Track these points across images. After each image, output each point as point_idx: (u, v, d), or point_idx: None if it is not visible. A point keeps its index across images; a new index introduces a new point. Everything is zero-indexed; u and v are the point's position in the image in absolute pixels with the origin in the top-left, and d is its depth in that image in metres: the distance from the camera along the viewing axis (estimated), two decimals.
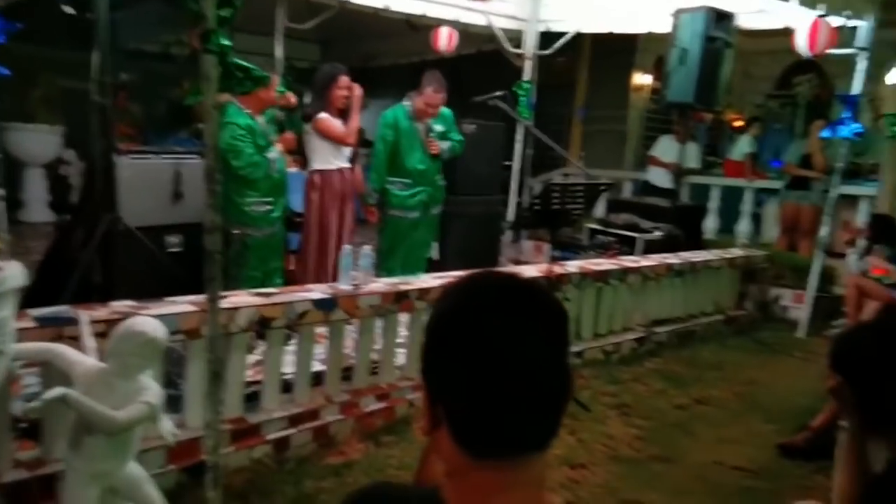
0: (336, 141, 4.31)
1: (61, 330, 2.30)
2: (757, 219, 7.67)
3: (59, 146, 7.61)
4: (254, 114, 3.94)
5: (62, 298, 3.22)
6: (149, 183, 4.22)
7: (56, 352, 2.07)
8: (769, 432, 3.55)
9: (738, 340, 5.11)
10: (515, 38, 6.34)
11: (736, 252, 5.71)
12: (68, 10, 3.84)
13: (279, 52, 6.79)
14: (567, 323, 0.87)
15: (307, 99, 4.68)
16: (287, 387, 3.09)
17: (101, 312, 2.47)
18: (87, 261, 3.65)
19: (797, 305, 5.55)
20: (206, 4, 1.90)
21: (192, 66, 2.08)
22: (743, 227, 7.44)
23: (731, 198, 7.63)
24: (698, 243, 5.94)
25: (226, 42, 1.97)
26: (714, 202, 7.68)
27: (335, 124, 4.30)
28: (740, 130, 8.93)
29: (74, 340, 2.20)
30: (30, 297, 3.59)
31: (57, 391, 1.88)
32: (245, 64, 2.07)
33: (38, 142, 7.44)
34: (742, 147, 7.97)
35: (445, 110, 4.73)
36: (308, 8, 6.46)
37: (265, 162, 3.91)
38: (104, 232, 3.71)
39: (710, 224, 7.55)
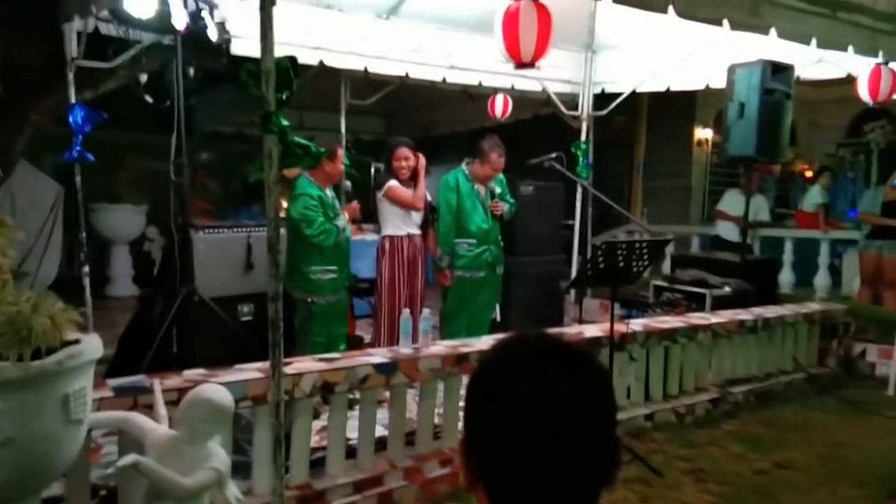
0: (405, 206, 4.52)
1: (136, 399, 2.42)
2: (835, 271, 7.34)
3: (142, 224, 8.12)
4: (322, 186, 4.18)
5: (141, 368, 3.40)
6: (223, 255, 4.45)
7: (131, 420, 2.18)
8: (858, 498, 3.31)
9: (821, 400, 4.83)
10: (571, 100, 6.43)
11: (814, 306, 5.46)
12: (149, 98, 4.17)
13: (344, 126, 7.12)
14: (609, 386, 0.86)
15: (373, 168, 4.92)
16: (351, 452, 3.11)
17: (174, 381, 2.58)
18: (165, 331, 3.84)
19: (885, 361, 5.23)
20: (267, 89, 2.04)
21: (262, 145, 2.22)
22: (820, 280, 7.13)
23: (806, 250, 7.36)
24: (772, 298, 5.71)
25: (285, 122, 2.11)
26: (788, 255, 7.41)
27: (403, 191, 4.50)
28: (811, 181, 8.68)
29: (149, 409, 2.31)
30: (113, 367, 3.81)
31: (129, 458, 1.97)
32: (304, 141, 2.21)
33: (124, 220, 7.96)
34: (813, 197, 7.72)
35: (500, 175, 4.86)
36: (370, 84, 6.78)
37: (335, 230, 4.10)
38: (181, 303, 3.91)
39: (786, 278, 7.27)
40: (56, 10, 4.07)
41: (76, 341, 1.95)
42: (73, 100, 4.17)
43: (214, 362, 2.93)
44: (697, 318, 4.65)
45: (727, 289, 5.30)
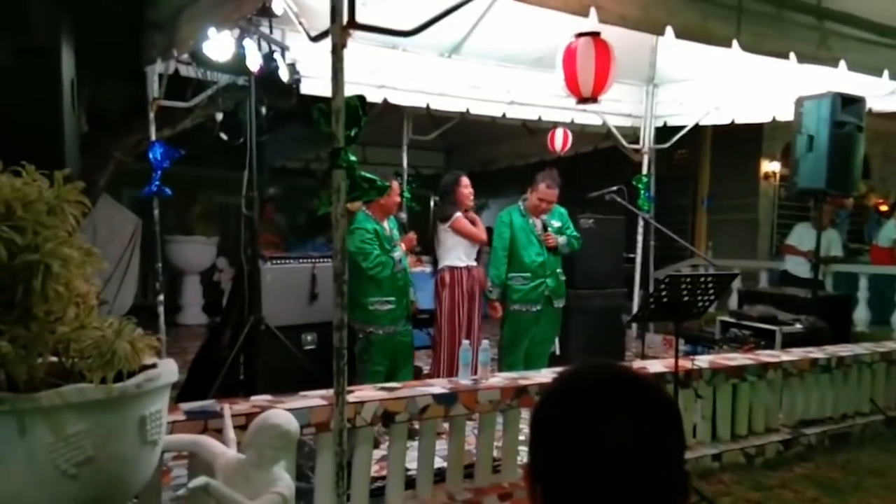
0: (472, 239, 4.59)
1: (207, 423, 2.51)
2: None
3: (213, 255, 8.45)
4: (379, 219, 4.29)
5: (210, 393, 3.52)
6: (289, 286, 4.59)
7: (201, 443, 2.25)
8: None
9: None
10: (632, 133, 6.41)
11: (891, 345, 5.20)
12: (224, 136, 4.38)
13: (406, 161, 7.29)
14: (676, 417, 0.85)
15: (432, 202, 5.01)
16: (410, 482, 3.13)
17: (242, 406, 2.67)
18: (233, 359, 3.97)
19: None
20: (337, 126, 2.14)
21: (330, 179, 2.32)
22: None
23: (883, 286, 7.02)
24: (846, 336, 5.48)
25: (353, 157, 2.19)
26: (863, 292, 7.09)
27: (469, 224, 4.60)
28: (886, 215, 8.32)
29: (218, 433, 2.39)
30: (184, 392, 3.96)
31: (200, 480, 2.04)
32: (370, 176, 2.29)
33: (196, 252, 8.31)
34: (889, 232, 7.40)
35: (560, 208, 4.86)
36: (432, 120, 6.93)
37: (391, 262, 4.19)
38: (248, 332, 4.04)
39: (861, 315, 6.95)
40: (139, 53, 4.35)
41: (153, 365, 2.05)
42: (153, 137, 4.43)
43: (279, 389, 3.01)
44: (767, 356, 4.49)
45: (798, 326, 5.11)
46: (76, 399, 1.68)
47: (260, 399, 2.80)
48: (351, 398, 2.82)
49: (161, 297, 4.53)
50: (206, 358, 4.44)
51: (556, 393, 0.89)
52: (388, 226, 4.37)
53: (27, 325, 1.67)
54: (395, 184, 4.42)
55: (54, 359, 1.76)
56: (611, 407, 0.82)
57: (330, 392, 2.72)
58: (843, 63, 3.18)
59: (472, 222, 4.63)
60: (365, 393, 3.02)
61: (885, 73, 3.35)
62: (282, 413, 2.22)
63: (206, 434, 2.36)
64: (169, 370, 2.11)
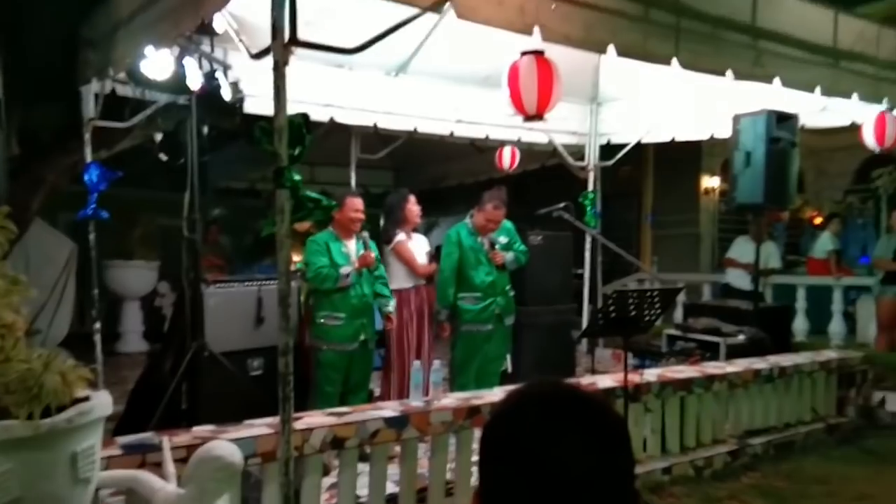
0: (412, 270, 4.56)
1: (145, 457, 2.39)
2: (850, 318, 7.25)
3: (154, 279, 8.17)
4: (340, 235, 4.25)
5: (150, 424, 3.36)
6: (233, 310, 4.45)
7: (139, 479, 2.14)
8: None
9: (842, 451, 4.71)
10: (578, 151, 6.51)
11: (830, 354, 5.37)
12: (164, 157, 4.25)
13: (354, 180, 7.22)
14: (625, 436, 0.84)
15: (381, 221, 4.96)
16: None
17: (183, 438, 2.55)
18: (175, 387, 3.82)
19: None
20: (280, 145, 2.08)
21: (275, 199, 2.25)
22: (835, 327, 7.03)
23: (820, 297, 7.28)
24: (787, 346, 5.64)
25: (297, 177, 2.14)
26: (801, 302, 7.34)
27: (410, 253, 4.56)
28: (821, 227, 8.67)
29: (157, 467, 2.28)
30: (122, 424, 3.78)
31: None
32: (315, 195, 2.24)
33: (136, 276, 8.02)
34: (824, 244, 7.69)
35: (507, 223, 4.88)
36: (380, 139, 6.90)
37: (334, 274, 4.11)
38: (191, 358, 3.89)
39: (800, 325, 7.18)
40: (74, 73, 4.20)
41: (86, 398, 1.94)
42: (88, 159, 4.27)
43: (224, 418, 2.90)
44: (713, 368, 4.58)
45: (741, 337, 5.24)
46: (1, 437, 1.58)
47: (202, 430, 2.69)
48: (298, 425, 2.73)
49: (98, 325, 4.35)
50: (147, 387, 4.25)
51: (505, 413, 0.87)
52: (354, 245, 4.30)
53: None
54: (354, 200, 4.34)
55: None
56: (560, 426, 0.81)
57: (277, 419, 2.64)
58: (777, 80, 3.29)
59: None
60: (313, 419, 2.93)
61: (818, 89, 3.49)
62: (224, 444, 2.12)
63: (144, 469, 2.24)
64: (102, 403, 2.00)
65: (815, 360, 5.03)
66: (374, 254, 4.29)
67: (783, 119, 4.71)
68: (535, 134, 6.11)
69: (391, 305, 4.41)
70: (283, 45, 2.04)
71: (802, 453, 4.61)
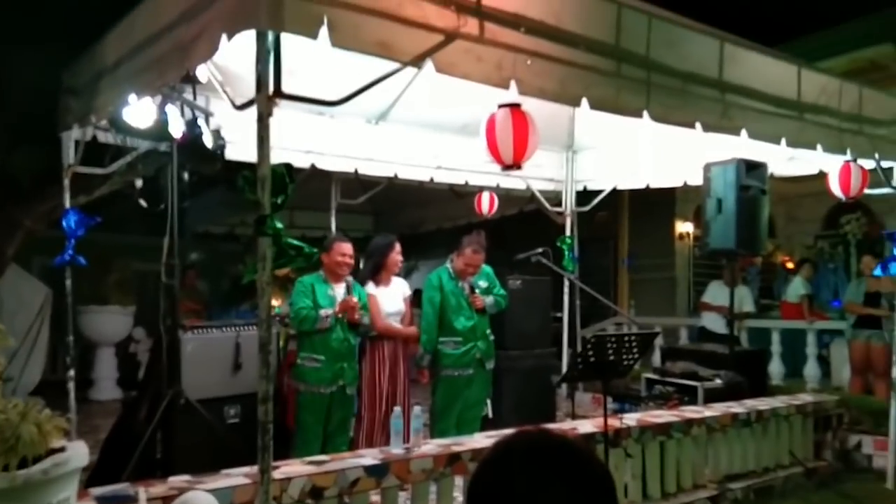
0: (372, 320, 4.50)
1: None
2: (824, 361, 7.36)
3: (129, 325, 8.06)
4: (329, 279, 4.29)
5: (124, 474, 3.29)
6: (210, 356, 4.40)
7: None
8: None
9: (821, 495, 4.73)
10: (555, 196, 6.63)
11: (806, 398, 5.43)
12: (144, 203, 4.25)
13: (334, 225, 7.26)
14: (610, 485, 0.86)
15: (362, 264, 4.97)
16: None
17: (159, 489, 2.51)
18: (149, 436, 3.74)
19: (881, 453, 5.15)
20: (262, 194, 2.12)
21: (255, 244, 2.27)
22: (810, 370, 7.13)
23: (794, 341, 7.40)
24: (764, 390, 5.69)
25: (279, 225, 2.17)
26: (776, 346, 7.44)
27: (377, 307, 4.54)
28: (793, 272, 8.84)
29: None
30: (96, 475, 3.68)
31: None
32: (297, 243, 2.26)
33: (111, 322, 7.91)
34: (796, 289, 7.84)
35: (487, 267, 4.93)
36: (360, 185, 6.97)
37: (313, 316, 4.13)
38: (166, 406, 3.83)
39: (775, 369, 7.26)
40: (55, 119, 4.22)
41: (62, 449, 1.91)
42: (67, 205, 4.25)
43: (200, 467, 2.85)
44: (691, 412, 4.61)
45: (718, 381, 5.28)
46: None
47: (178, 480, 2.64)
48: (277, 474, 2.70)
49: (72, 372, 4.27)
50: (121, 436, 4.16)
51: (492, 462, 0.89)
52: (341, 289, 4.31)
53: None
54: (342, 244, 4.37)
55: None
56: (547, 476, 0.83)
57: (254, 469, 2.60)
58: (744, 132, 3.41)
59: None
60: (292, 468, 2.89)
61: (783, 140, 3.62)
62: (201, 495, 2.10)
63: None
64: (78, 453, 1.98)
65: (791, 403, 5.08)
66: (355, 299, 4.29)
67: (752, 167, 4.85)
68: (512, 180, 6.22)
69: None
70: (267, 97, 2.09)
71: (782, 498, 4.63)
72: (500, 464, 0.88)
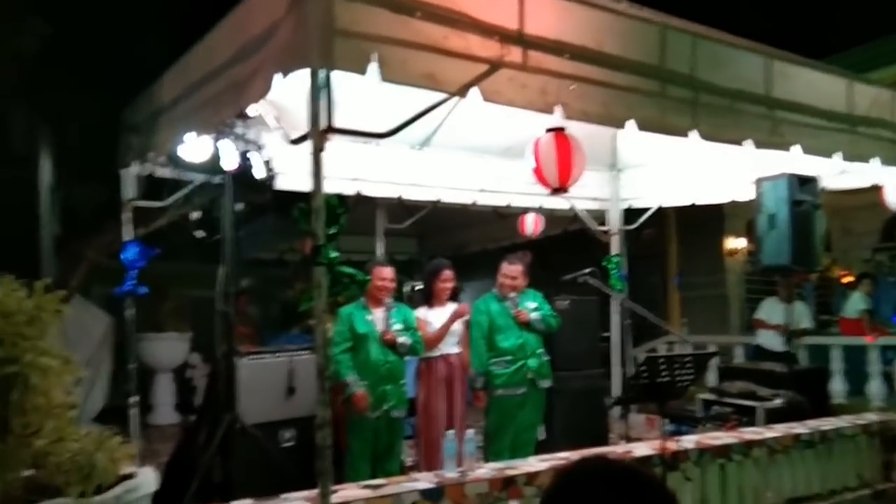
0: (426, 342, 4.53)
1: None
2: (888, 378, 7.07)
3: (186, 351, 8.27)
4: (369, 305, 4.35)
5: (186, 499, 3.38)
6: (265, 381, 4.48)
7: None
8: None
9: None
10: (600, 216, 6.59)
11: (871, 417, 5.22)
12: (199, 234, 4.40)
13: (380, 249, 7.36)
14: None
15: (406, 288, 5.03)
16: None
17: None
18: (209, 461, 3.84)
19: None
20: (317, 224, 2.18)
21: (304, 268, 2.34)
22: (874, 388, 6.85)
23: (855, 357, 7.13)
24: (825, 409, 5.50)
25: (334, 254, 2.23)
26: (837, 363, 7.19)
27: (426, 328, 4.57)
28: (851, 287, 8.55)
29: None
30: (158, 499, 3.79)
31: None
32: (350, 271, 2.33)
33: (168, 349, 8.12)
34: (856, 304, 7.58)
35: (535, 291, 4.90)
36: (405, 209, 7.06)
37: (343, 374, 4.16)
38: (224, 431, 3.92)
39: (837, 387, 7.01)
40: (115, 156, 4.42)
41: (132, 475, 1.99)
42: (127, 237, 4.43)
43: (257, 491, 2.91)
44: (751, 433, 4.48)
45: (778, 401, 5.14)
46: None
47: None
48: (335, 498, 2.73)
49: (134, 399, 4.42)
50: (181, 461, 4.28)
51: (560, 490, 0.90)
52: (381, 313, 4.34)
53: (3, 440, 1.62)
54: (382, 269, 4.42)
55: (31, 473, 1.71)
56: (615, 502, 0.83)
57: (313, 493, 2.65)
58: (797, 148, 3.36)
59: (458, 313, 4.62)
60: (349, 492, 2.92)
61: (837, 155, 3.55)
62: None
63: None
64: (147, 480, 2.05)
65: (856, 423, 4.90)
66: (391, 334, 4.30)
67: (804, 182, 4.73)
68: (556, 201, 6.19)
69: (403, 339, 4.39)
70: (320, 132, 2.16)
71: None
72: (568, 493, 0.88)
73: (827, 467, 4.63)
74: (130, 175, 4.41)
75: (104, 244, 5.68)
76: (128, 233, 4.48)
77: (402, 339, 4.34)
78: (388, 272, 4.42)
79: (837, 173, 4.96)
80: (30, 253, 2.42)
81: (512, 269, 4.76)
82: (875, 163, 3.68)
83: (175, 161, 4.13)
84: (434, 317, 4.65)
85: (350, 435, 4.26)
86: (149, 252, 4.36)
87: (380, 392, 4.25)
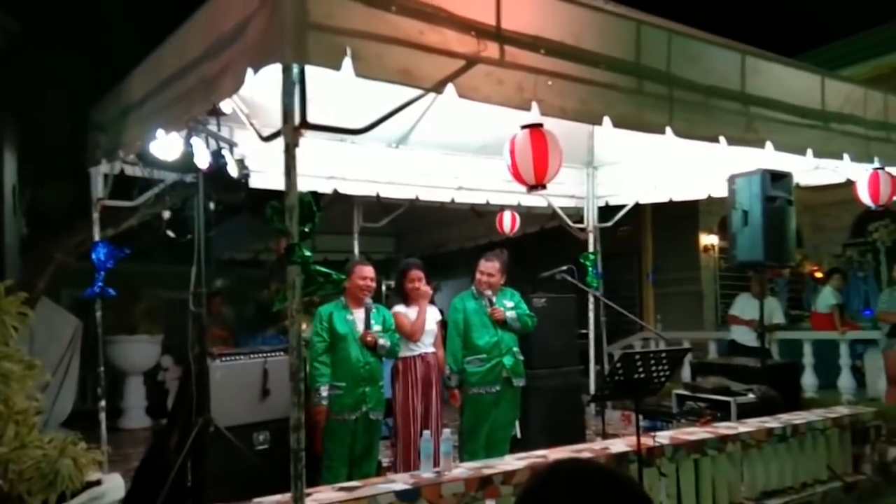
0: (405, 336, 4.52)
1: None
2: (858, 372, 7.20)
3: (157, 354, 8.14)
4: (350, 304, 4.31)
5: None
6: (239, 383, 4.42)
7: None
8: None
9: None
10: (576, 213, 6.61)
11: (842, 410, 5.31)
12: (171, 234, 4.32)
13: (357, 247, 7.31)
14: None
15: (383, 287, 4.99)
16: None
17: None
18: (180, 464, 3.76)
19: None
20: (290, 223, 2.14)
21: (280, 269, 2.30)
22: (845, 382, 6.97)
23: (826, 352, 7.25)
24: (797, 403, 5.58)
25: (308, 253, 2.19)
26: (808, 358, 7.30)
27: (405, 319, 4.55)
28: (822, 282, 8.70)
29: None
30: None
31: None
32: (325, 270, 2.28)
33: (139, 351, 8.00)
34: (826, 299, 7.71)
35: (512, 290, 4.90)
36: (382, 208, 7.02)
37: (319, 381, 4.15)
38: (196, 435, 3.85)
39: (808, 381, 7.12)
40: (83, 155, 4.31)
41: (98, 482, 1.93)
42: (97, 237, 4.33)
43: (230, 495, 2.86)
44: (725, 428, 4.52)
45: (751, 396, 5.19)
46: None
47: None
48: (309, 501, 2.69)
49: (103, 403, 4.32)
50: (152, 465, 4.20)
51: (534, 491, 0.88)
52: (362, 313, 4.31)
53: None
54: (363, 268, 4.39)
55: None
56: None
57: (286, 496, 2.60)
58: (769, 144, 3.38)
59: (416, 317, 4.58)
60: (323, 495, 2.88)
61: (810, 151, 3.58)
62: None
63: None
64: (114, 486, 1.99)
65: (827, 416, 4.97)
66: (373, 336, 4.28)
67: (777, 178, 4.80)
68: (533, 198, 6.21)
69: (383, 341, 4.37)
70: (293, 128, 2.12)
71: None
72: (543, 494, 0.87)
73: (799, 461, 4.69)
74: (99, 174, 4.31)
75: (73, 245, 5.56)
76: (97, 233, 4.38)
77: (383, 341, 4.31)
78: (369, 271, 4.38)
79: (811, 169, 5.04)
80: None
81: (489, 266, 4.75)
82: (846, 159, 3.72)
83: (145, 159, 4.04)
84: (413, 314, 4.62)
85: (327, 437, 4.21)
86: (118, 253, 4.27)
87: (359, 393, 4.21)
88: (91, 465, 1.87)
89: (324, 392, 4.14)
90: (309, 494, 2.79)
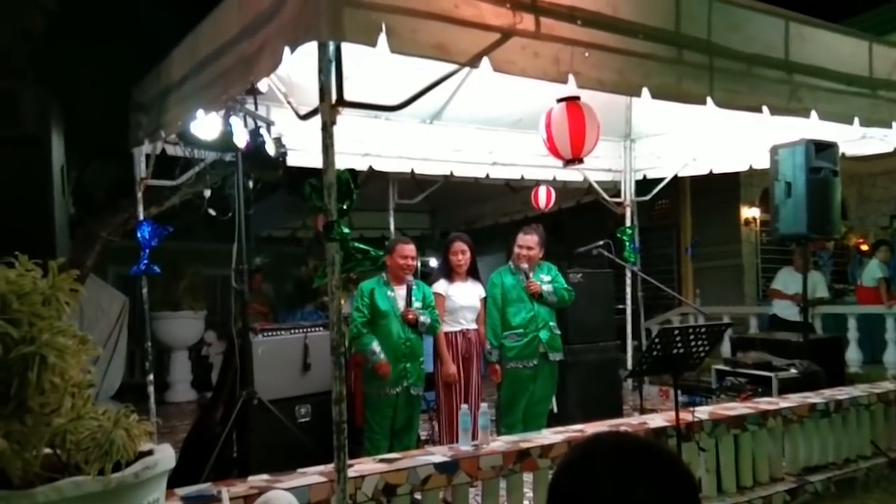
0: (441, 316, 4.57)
1: None
2: None
3: (201, 329, 8.35)
4: (391, 281, 4.32)
5: (204, 475, 3.42)
6: (281, 357, 4.51)
7: None
8: None
9: None
10: (613, 187, 6.53)
11: (887, 385, 5.19)
12: (212, 212, 4.40)
13: (392, 224, 7.35)
14: (693, 486, 0.86)
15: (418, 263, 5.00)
16: None
17: (240, 488, 2.60)
18: (226, 436, 3.88)
19: None
20: (329, 200, 2.16)
21: (317, 245, 2.33)
22: (891, 356, 6.80)
23: (872, 326, 7.07)
24: (841, 378, 5.47)
25: (346, 230, 2.21)
26: (853, 332, 7.13)
27: (446, 301, 4.61)
28: (867, 254, 8.45)
29: None
30: (176, 475, 3.84)
31: None
32: (363, 246, 2.32)
33: (184, 327, 8.20)
34: (872, 272, 7.49)
35: (549, 263, 4.88)
36: (417, 184, 7.03)
37: (365, 345, 4.22)
38: (241, 407, 3.96)
39: (853, 356, 6.96)
40: (126, 136, 4.41)
41: (150, 452, 2.00)
42: (141, 216, 4.44)
43: (274, 466, 2.94)
44: (766, 403, 4.47)
45: (793, 371, 5.11)
46: (73, 493, 1.64)
47: (257, 479, 2.73)
48: (350, 472, 2.75)
49: (151, 377, 4.46)
50: (198, 436, 4.33)
51: (575, 463, 0.89)
52: (403, 291, 4.33)
53: (22, 419, 1.63)
54: (404, 246, 4.35)
55: (49, 451, 1.72)
56: (631, 476, 0.83)
57: (329, 467, 2.67)
58: (814, 113, 3.29)
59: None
60: (364, 466, 2.95)
61: (856, 120, 3.47)
62: (282, 494, 2.17)
63: None
64: (166, 456, 2.06)
65: (872, 391, 4.87)
66: (414, 313, 4.32)
67: (822, 148, 4.66)
68: (569, 172, 6.14)
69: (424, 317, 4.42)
70: (330, 105, 2.13)
71: (865, 490, 4.44)
72: (583, 466, 0.88)
73: (842, 436, 4.62)
74: (142, 154, 4.40)
75: (118, 224, 5.71)
76: (141, 212, 4.49)
77: (423, 318, 4.36)
78: (410, 249, 4.38)
79: (858, 138, 4.87)
80: (44, 234, 2.43)
81: (528, 240, 4.73)
82: (895, 127, 3.59)
83: (186, 139, 4.12)
84: (454, 291, 4.65)
85: (369, 410, 4.29)
86: (162, 231, 4.37)
87: (400, 369, 4.27)
88: (143, 436, 1.93)
89: (376, 348, 4.21)
90: (351, 465, 2.86)
